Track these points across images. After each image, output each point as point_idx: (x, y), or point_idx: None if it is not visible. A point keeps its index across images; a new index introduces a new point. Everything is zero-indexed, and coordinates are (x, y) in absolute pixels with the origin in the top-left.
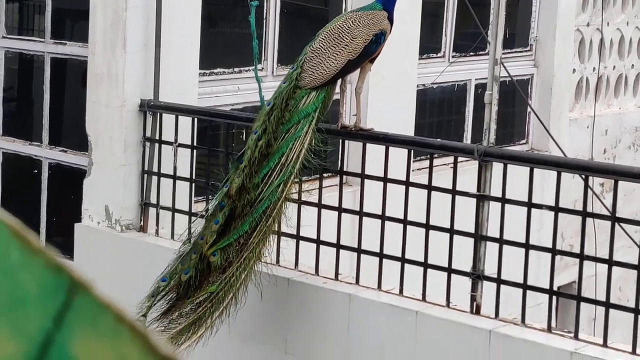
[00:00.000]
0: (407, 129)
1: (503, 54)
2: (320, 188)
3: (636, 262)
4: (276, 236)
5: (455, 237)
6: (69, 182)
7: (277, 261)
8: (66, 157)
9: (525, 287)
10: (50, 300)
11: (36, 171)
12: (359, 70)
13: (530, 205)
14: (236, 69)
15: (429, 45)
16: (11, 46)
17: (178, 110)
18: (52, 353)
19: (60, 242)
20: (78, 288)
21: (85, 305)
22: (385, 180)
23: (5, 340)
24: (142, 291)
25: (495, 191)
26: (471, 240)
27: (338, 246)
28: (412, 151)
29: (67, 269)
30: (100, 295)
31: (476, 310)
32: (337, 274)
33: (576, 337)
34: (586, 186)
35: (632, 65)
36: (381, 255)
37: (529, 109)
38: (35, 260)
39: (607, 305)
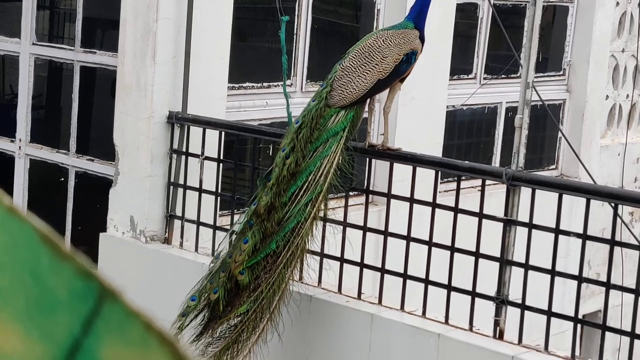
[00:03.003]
0: (436, 150)
1: (535, 77)
2: (346, 206)
3: None
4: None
5: (481, 260)
6: (95, 191)
7: (300, 278)
8: (93, 166)
9: (549, 313)
10: (79, 305)
11: (63, 179)
12: (388, 89)
13: (557, 231)
14: (265, 84)
15: (460, 66)
16: (41, 53)
17: (206, 123)
18: (80, 358)
19: (85, 251)
20: (107, 295)
21: (114, 313)
22: (411, 200)
23: (34, 344)
24: (165, 302)
25: (523, 215)
26: (496, 265)
27: (362, 265)
28: (440, 172)
29: (96, 276)
30: (130, 303)
31: (499, 335)
32: (359, 293)
33: None
34: (615, 214)
35: None
36: (405, 276)
37: (559, 134)
38: (64, 266)
39: (633, 335)
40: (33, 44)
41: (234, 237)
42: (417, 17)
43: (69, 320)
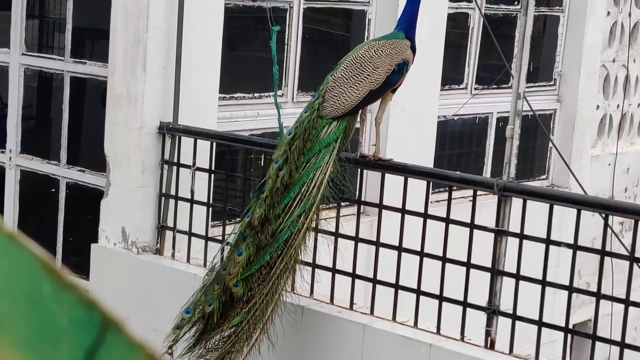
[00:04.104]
0: (427, 160)
1: (526, 88)
2: (338, 217)
3: None
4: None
5: (472, 271)
6: (86, 202)
7: (293, 288)
8: (84, 176)
9: (540, 323)
10: (82, 335)
11: (53, 190)
12: (380, 99)
13: (548, 242)
14: (256, 94)
15: (451, 76)
16: (31, 63)
17: (197, 133)
18: None
19: (77, 262)
20: (110, 325)
21: (118, 343)
22: (403, 211)
23: None
24: (157, 313)
25: (514, 226)
26: (488, 275)
27: (354, 276)
28: (431, 183)
29: (99, 306)
30: (133, 334)
31: (490, 345)
32: (352, 303)
33: None
34: (606, 225)
35: None
36: (397, 287)
37: (550, 144)
38: (66, 295)
39: (622, 345)
40: (22, 54)
41: (227, 248)
42: (408, 26)
43: (72, 350)
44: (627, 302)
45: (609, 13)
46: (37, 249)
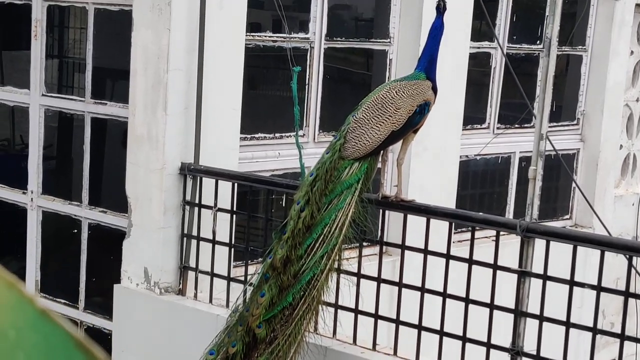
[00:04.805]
0: (449, 200)
1: (549, 127)
2: (360, 257)
3: None
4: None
5: (495, 312)
6: (108, 243)
7: (315, 329)
8: (106, 217)
9: None
10: None
11: (76, 231)
12: (401, 140)
13: (572, 283)
14: (277, 134)
15: (474, 115)
16: (51, 104)
17: (218, 174)
18: None
19: (100, 303)
20: None
21: None
22: (425, 252)
23: None
24: (180, 354)
25: (537, 266)
26: (511, 316)
27: (376, 316)
28: (454, 223)
29: None
30: None
31: None
32: (374, 344)
33: None
34: (630, 266)
35: None
36: (420, 327)
37: (573, 184)
38: None
39: None
40: (43, 95)
41: (250, 289)
42: (428, 67)
43: None
44: None
45: (632, 52)
46: (69, 326)
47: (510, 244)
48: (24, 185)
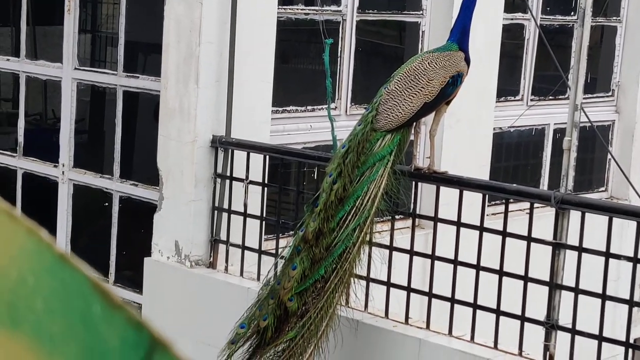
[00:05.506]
0: (482, 172)
1: (584, 98)
2: (392, 230)
3: None
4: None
5: (530, 284)
6: (139, 216)
7: (347, 302)
8: (137, 190)
9: (600, 338)
10: (131, 354)
11: (107, 204)
12: (434, 112)
13: (608, 255)
14: (309, 107)
15: (507, 87)
16: (84, 78)
17: (250, 147)
18: None
19: (130, 276)
20: (158, 346)
21: None
22: (458, 224)
23: None
24: (210, 327)
25: (572, 238)
26: (546, 289)
27: (409, 289)
28: (487, 195)
29: (147, 326)
30: (181, 354)
31: None
32: (407, 317)
33: None
34: None
35: None
36: (453, 301)
37: (609, 156)
38: (116, 315)
39: None
40: (75, 68)
41: (281, 262)
42: (461, 38)
43: None
44: None
45: None
46: (88, 269)
47: (545, 216)
48: (56, 159)
